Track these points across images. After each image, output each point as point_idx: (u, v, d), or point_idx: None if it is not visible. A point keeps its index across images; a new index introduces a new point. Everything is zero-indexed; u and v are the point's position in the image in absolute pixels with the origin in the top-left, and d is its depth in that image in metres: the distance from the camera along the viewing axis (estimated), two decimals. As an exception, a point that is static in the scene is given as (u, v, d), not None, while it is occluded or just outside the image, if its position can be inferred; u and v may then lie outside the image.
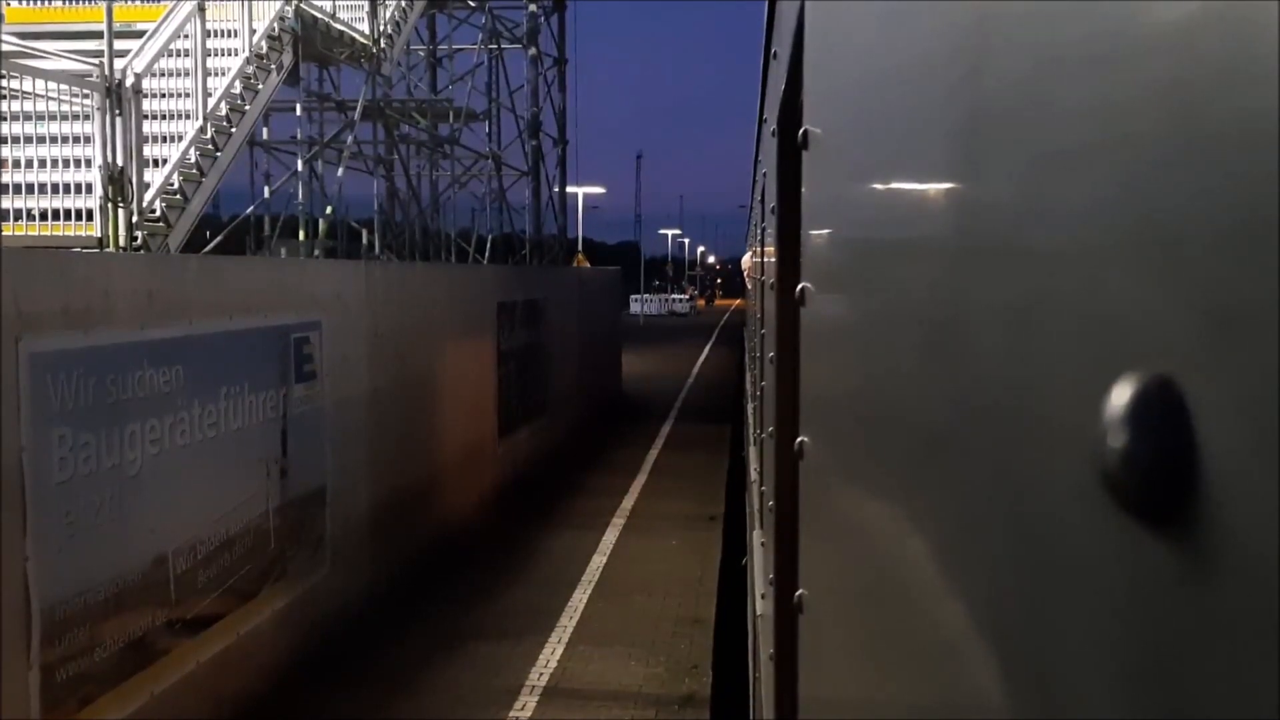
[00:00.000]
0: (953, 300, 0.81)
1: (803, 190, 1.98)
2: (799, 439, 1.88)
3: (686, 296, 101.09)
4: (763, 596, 4.16)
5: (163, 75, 10.00)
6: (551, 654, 8.85)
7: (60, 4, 12.91)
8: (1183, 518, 0.39)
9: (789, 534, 2.54)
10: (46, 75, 8.54)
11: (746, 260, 16.57)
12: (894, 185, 1.12)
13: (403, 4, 16.46)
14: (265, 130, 18.11)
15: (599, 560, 11.61)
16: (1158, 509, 0.41)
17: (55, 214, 8.38)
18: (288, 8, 12.38)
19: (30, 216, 8.21)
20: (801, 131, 1.85)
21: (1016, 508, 0.63)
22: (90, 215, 8.59)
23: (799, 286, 1.88)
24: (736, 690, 7.94)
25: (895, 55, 1.09)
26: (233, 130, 10.70)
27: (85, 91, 8.61)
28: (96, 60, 8.81)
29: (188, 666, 7.01)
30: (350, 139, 16.41)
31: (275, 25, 12.05)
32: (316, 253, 14.89)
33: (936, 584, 0.85)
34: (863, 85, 1.31)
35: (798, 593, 1.87)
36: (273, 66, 11.90)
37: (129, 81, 8.72)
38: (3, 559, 5.47)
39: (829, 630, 1.58)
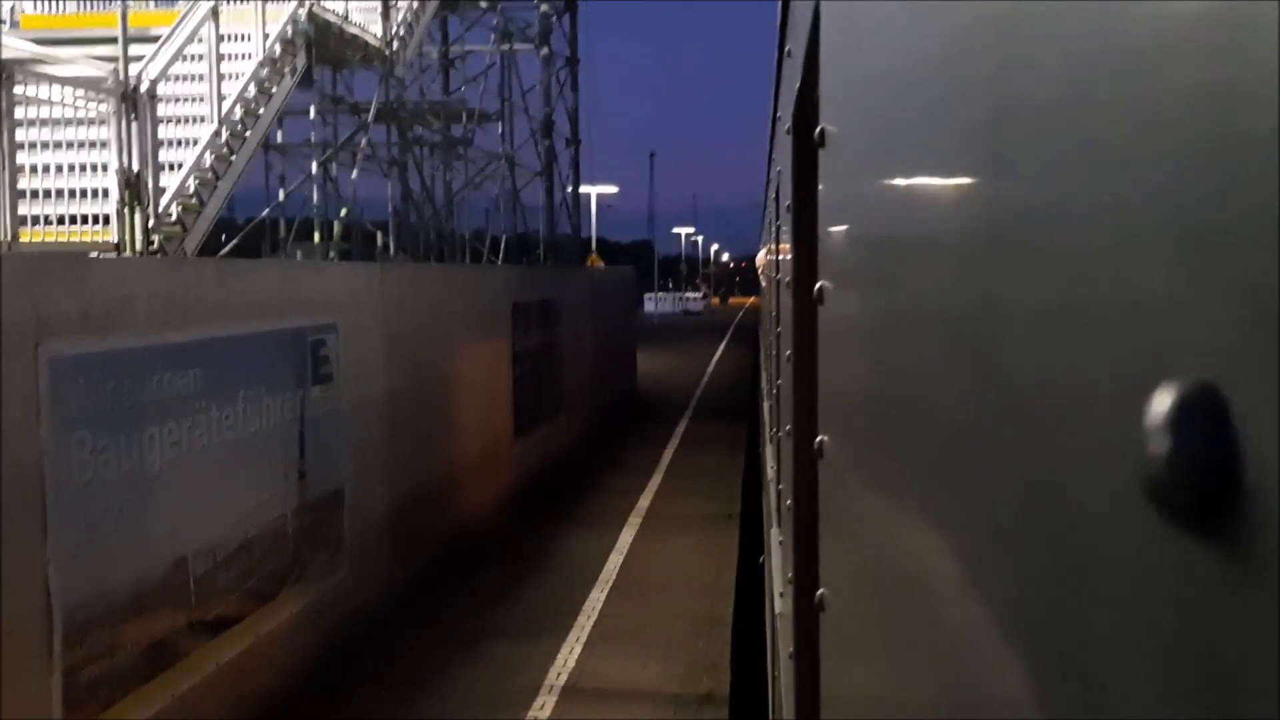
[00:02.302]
0: (973, 299, 0.81)
1: (820, 189, 1.98)
2: (819, 438, 1.87)
3: (700, 295, 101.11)
4: (781, 595, 4.15)
5: (177, 80, 10.05)
6: (570, 653, 8.86)
7: (75, 10, 12.99)
8: (1208, 519, 0.39)
9: (808, 533, 2.54)
10: (62, 81, 8.59)
11: (761, 258, 16.55)
12: (913, 183, 1.12)
13: (414, 6, 16.50)
14: (279, 133, 18.18)
15: (616, 559, 11.61)
16: (1181, 509, 0.41)
17: (72, 219, 8.43)
18: (300, 11, 12.42)
19: (48, 222, 8.26)
20: (819, 130, 1.85)
21: (1038, 506, 0.63)
22: (107, 220, 8.64)
23: (817, 285, 1.88)
24: (755, 689, 7.93)
25: (912, 53, 1.09)
26: (247, 134, 10.75)
27: (101, 97, 8.66)
28: (112, 66, 8.86)
29: (208, 668, 7.05)
30: (364, 141, 16.46)
31: (288, 29, 12.09)
32: (332, 255, 14.94)
33: (959, 583, 0.85)
34: (880, 84, 1.31)
35: (819, 592, 1.87)
36: (286, 70, 11.94)
37: (144, 86, 8.76)
38: (25, 562, 5.51)
39: (851, 629, 1.57)
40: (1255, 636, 0.36)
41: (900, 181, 1.18)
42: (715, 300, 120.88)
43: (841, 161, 1.68)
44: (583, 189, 29.30)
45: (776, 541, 5.24)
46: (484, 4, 22.36)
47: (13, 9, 12.56)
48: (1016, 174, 0.70)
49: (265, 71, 11.40)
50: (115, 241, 8.55)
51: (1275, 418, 0.35)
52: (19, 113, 7.88)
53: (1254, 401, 0.36)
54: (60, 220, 8.36)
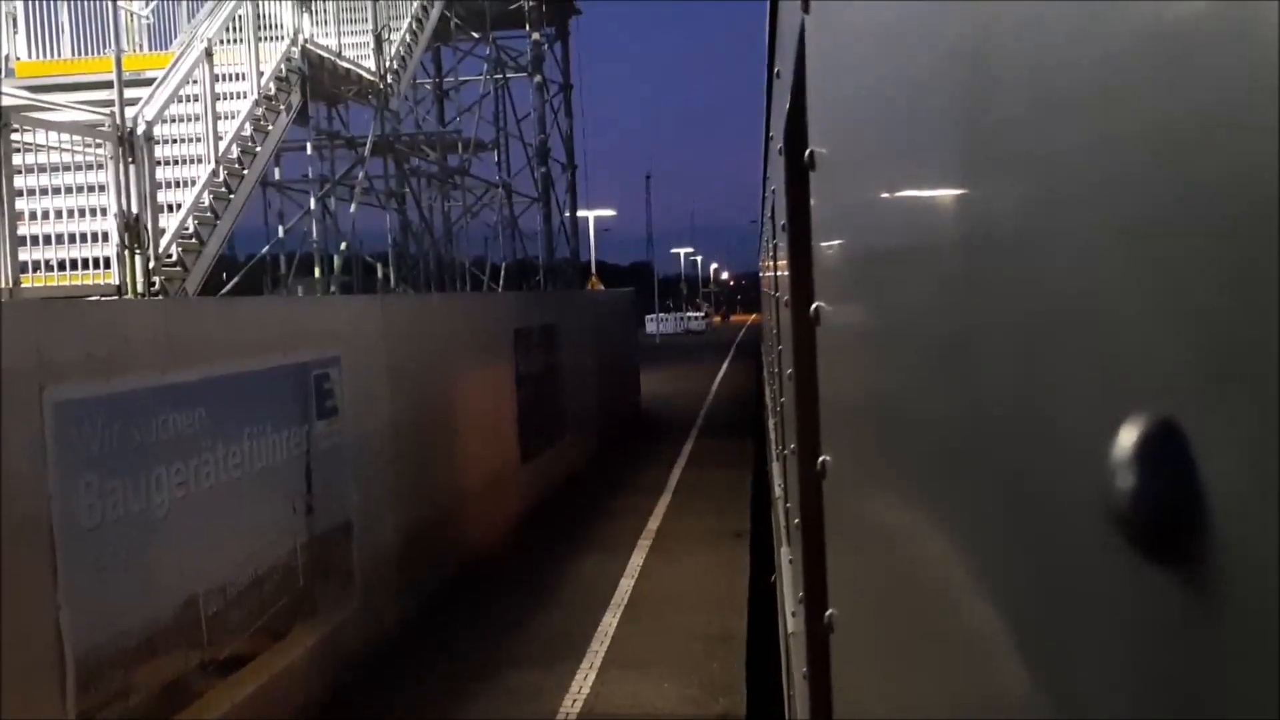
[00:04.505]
0: (967, 316, 0.81)
1: (812, 211, 1.99)
2: (821, 458, 1.88)
3: (701, 314, 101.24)
4: (793, 614, 4.14)
5: (174, 121, 10.09)
6: (584, 679, 8.82)
7: (70, 56, 13.07)
8: (1205, 535, 0.40)
9: (816, 552, 2.54)
10: (59, 127, 8.64)
11: (762, 275, 16.56)
12: (903, 203, 1.12)
13: (407, 39, 16.60)
14: (277, 170, 18.25)
15: (627, 583, 11.57)
16: (1181, 526, 0.41)
17: (73, 264, 8.46)
18: (294, 49, 12.49)
19: (49, 267, 8.29)
20: (808, 152, 1.86)
21: (1041, 522, 0.63)
22: (108, 263, 8.67)
23: (813, 306, 1.88)
24: (771, 708, 7.89)
25: (898, 74, 1.10)
26: (245, 172, 10.79)
27: (98, 141, 8.70)
28: (108, 110, 8.91)
29: (223, 708, 7.02)
30: (361, 175, 16.52)
31: (282, 66, 12.16)
32: (333, 289, 14.98)
33: (967, 601, 0.85)
34: (866, 104, 1.32)
35: (828, 613, 1.87)
36: (281, 107, 12.00)
37: (141, 129, 8.81)
38: (35, 607, 5.51)
39: (861, 649, 1.57)
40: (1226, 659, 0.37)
41: (890, 202, 1.19)
42: (717, 319, 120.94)
43: (832, 183, 1.69)
44: (580, 213, 29.39)
45: (786, 560, 5.22)
46: (476, 35, 22.49)
47: (7, 57, 12.63)
48: (1005, 191, 0.71)
49: (261, 109, 11.45)
50: (117, 284, 8.57)
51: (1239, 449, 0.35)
52: (16, 159, 7.92)
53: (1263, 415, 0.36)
54: (61, 265, 8.38)
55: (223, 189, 10.27)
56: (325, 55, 13.47)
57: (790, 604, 4.43)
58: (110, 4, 10.84)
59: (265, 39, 12.06)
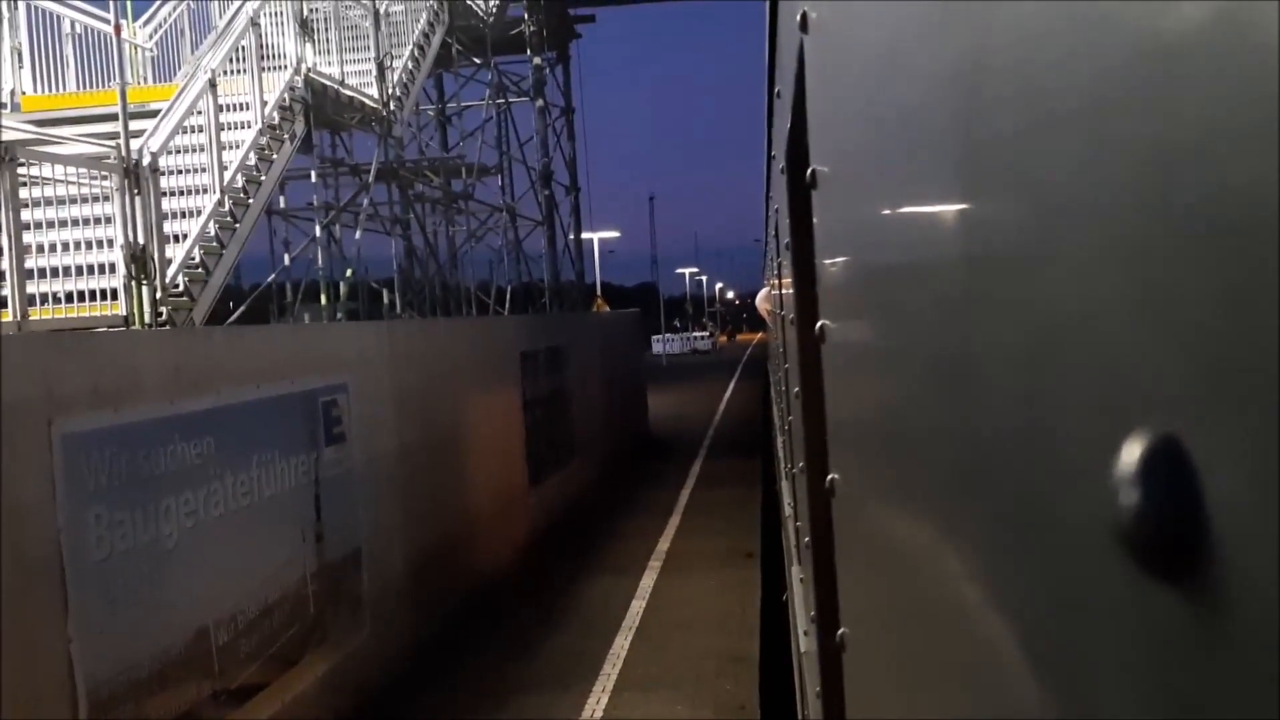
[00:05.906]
0: (972, 331, 0.81)
1: (815, 229, 1.99)
2: (830, 476, 1.87)
3: (707, 334, 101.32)
4: (805, 633, 4.12)
5: (179, 152, 10.15)
6: (597, 702, 8.79)
7: (75, 89, 13.16)
8: (1216, 550, 0.39)
9: (827, 571, 2.53)
10: (65, 160, 8.69)
11: (761, 297, 16.57)
12: (905, 220, 1.12)
13: (409, 66, 16.69)
14: (282, 198, 18.28)
15: (638, 604, 11.53)
16: (1191, 542, 0.41)
17: (81, 296, 8.49)
18: (297, 78, 12.57)
19: (56, 300, 8.32)
20: (810, 171, 1.87)
21: (1051, 538, 0.62)
22: (115, 294, 8.70)
23: (818, 324, 1.88)
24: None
25: (897, 91, 1.10)
26: (250, 201, 10.84)
27: (104, 173, 8.75)
28: (113, 142, 8.96)
29: (234, 738, 7.00)
30: (366, 201, 16.58)
31: (285, 95, 12.23)
32: (339, 315, 15.01)
33: (978, 618, 0.84)
34: (866, 122, 1.32)
35: (840, 631, 1.86)
36: (285, 136, 12.06)
37: (146, 161, 8.86)
38: (46, 640, 5.50)
39: (873, 667, 1.57)
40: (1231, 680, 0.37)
41: (892, 219, 1.19)
42: (723, 338, 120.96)
43: (834, 201, 1.69)
44: (584, 235, 29.49)
45: (797, 579, 5.20)
46: (478, 60, 22.61)
47: (13, 92, 12.72)
48: (1006, 207, 0.71)
49: (265, 139, 11.51)
50: (124, 315, 8.60)
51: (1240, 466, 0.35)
52: (24, 193, 7.95)
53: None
54: (69, 297, 8.41)
55: (228, 218, 10.32)
56: (328, 84, 13.55)
57: (802, 623, 4.41)
58: (114, 37, 10.92)
59: (268, 69, 12.15)
